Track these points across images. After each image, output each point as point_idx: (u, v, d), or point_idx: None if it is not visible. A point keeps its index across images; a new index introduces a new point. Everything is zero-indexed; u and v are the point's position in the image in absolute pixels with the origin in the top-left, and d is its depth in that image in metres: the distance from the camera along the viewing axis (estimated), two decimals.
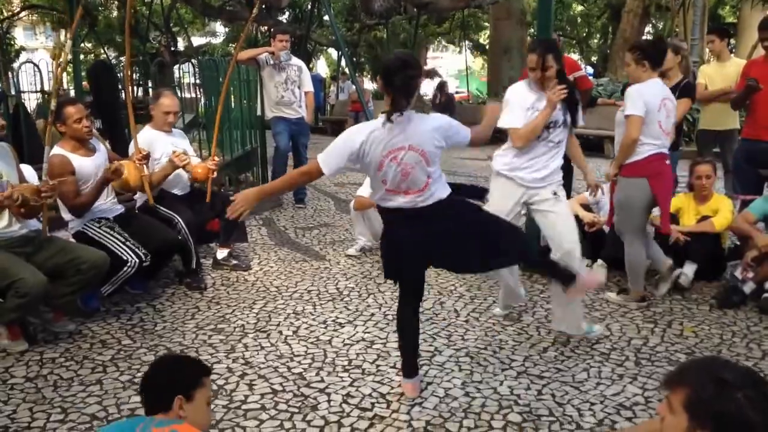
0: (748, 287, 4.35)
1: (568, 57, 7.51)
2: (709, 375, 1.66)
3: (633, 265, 4.35)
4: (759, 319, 4.15)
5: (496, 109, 3.56)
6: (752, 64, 5.50)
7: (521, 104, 3.72)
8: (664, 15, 18.99)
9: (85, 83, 9.22)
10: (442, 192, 3.03)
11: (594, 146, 11.45)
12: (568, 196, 6.00)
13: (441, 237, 2.98)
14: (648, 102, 4.04)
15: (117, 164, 4.16)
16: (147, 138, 4.76)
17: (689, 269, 4.64)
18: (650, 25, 22.27)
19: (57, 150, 4.12)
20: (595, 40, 26.82)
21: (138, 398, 3.14)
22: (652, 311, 4.30)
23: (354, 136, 2.91)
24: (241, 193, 2.96)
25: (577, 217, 5.05)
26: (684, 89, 5.64)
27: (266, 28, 19.25)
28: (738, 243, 4.89)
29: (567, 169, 6.65)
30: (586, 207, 5.14)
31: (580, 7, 23.66)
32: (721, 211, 4.72)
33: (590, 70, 22.28)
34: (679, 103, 5.59)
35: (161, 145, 4.80)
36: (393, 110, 2.86)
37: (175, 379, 2.14)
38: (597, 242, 4.93)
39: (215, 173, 4.92)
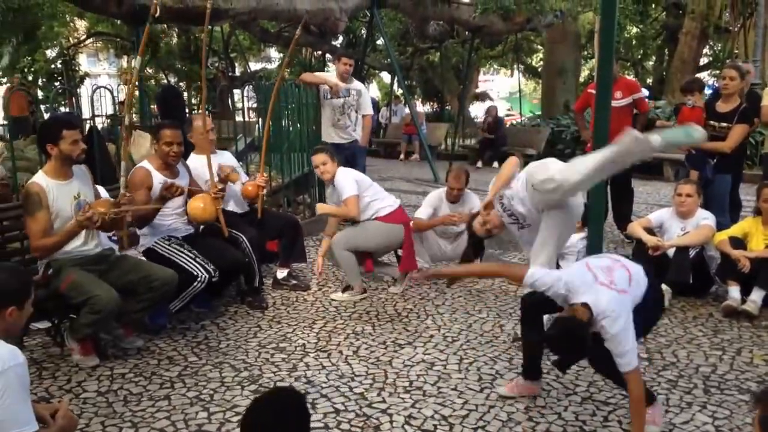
0: None
1: (627, 78, 7.46)
2: None
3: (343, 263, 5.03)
4: None
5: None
6: None
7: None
8: (723, 36, 18.64)
9: (153, 107, 9.54)
10: None
11: (653, 169, 11.25)
12: (629, 220, 5.95)
13: None
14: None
15: (174, 183, 4.24)
16: (193, 166, 4.80)
17: (757, 296, 4.50)
18: (708, 47, 21.87)
19: (144, 163, 4.32)
20: (651, 62, 26.42)
21: (204, 414, 3.23)
22: (719, 338, 4.19)
23: None
24: None
25: (640, 241, 5.00)
26: (742, 114, 5.55)
27: (321, 53, 19.62)
28: None
29: (628, 191, 6.63)
30: (650, 231, 5.05)
31: (635, 29, 23.36)
32: None
33: (645, 92, 21.97)
34: (736, 128, 5.51)
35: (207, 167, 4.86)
36: None
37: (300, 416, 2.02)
38: (661, 266, 4.82)
39: (265, 190, 5.02)
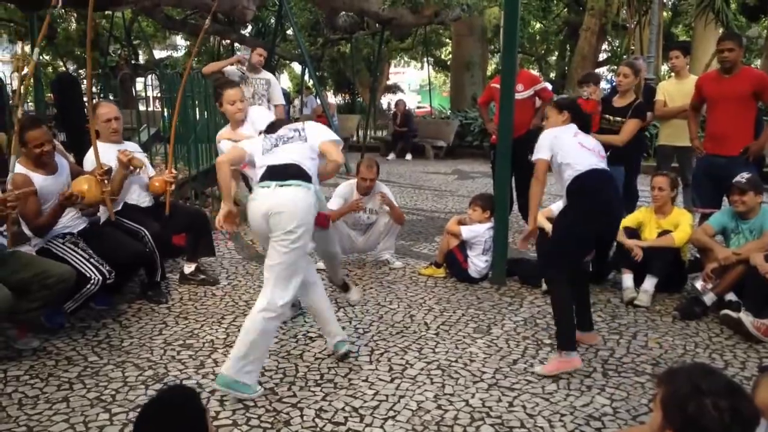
0: (709, 299, 4.46)
1: (527, 71, 7.69)
2: (689, 378, 1.74)
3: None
4: (720, 330, 4.27)
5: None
6: (705, 78, 5.63)
7: None
8: (620, 33, 19.49)
9: (48, 95, 9.07)
10: None
11: None
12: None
13: None
14: None
15: (72, 190, 4.06)
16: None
17: (649, 284, 4.72)
18: (606, 43, 22.82)
19: (19, 168, 4.04)
20: (554, 58, 27.34)
21: (106, 415, 3.11)
22: (617, 323, 4.39)
23: None
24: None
25: (542, 230, 5.16)
26: (636, 109, 5.83)
27: (229, 41, 19.20)
28: (698, 255, 5.02)
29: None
30: (551, 220, 5.22)
31: (538, 25, 24.10)
32: (681, 225, 4.85)
33: (547, 84, 22.60)
34: (629, 123, 5.79)
35: (112, 156, 4.71)
36: None
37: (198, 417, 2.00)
38: None
39: (173, 186, 4.88)
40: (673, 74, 6.70)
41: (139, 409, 3.11)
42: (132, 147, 5.02)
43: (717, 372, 1.84)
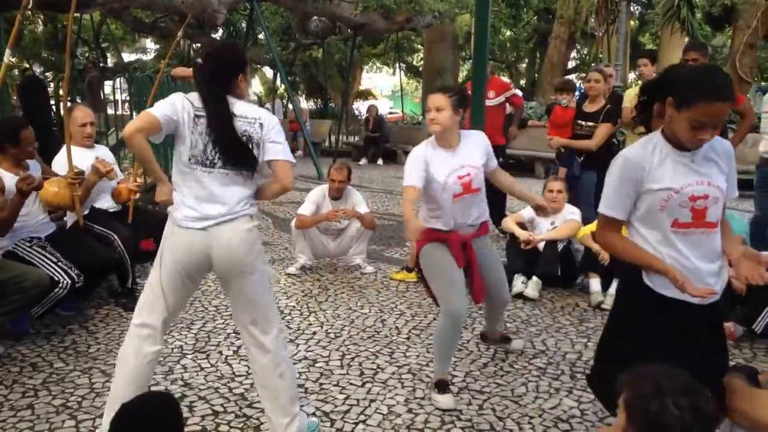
0: None
1: (498, 78, 7.77)
2: (651, 379, 1.77)
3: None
4: None
5: None
6: None
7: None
8: (589, 41, 19.78)
9: (14, 98, 8.93)
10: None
11: (525, 167, 11.78)
12: (503, 215, 6.19)
13: None
14: None
15: (30, 174, 3.99)
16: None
17: (616, 288, 4.79)
18: (575, 51, 23.13)
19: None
20: (524, 65, 27.61)
21: (72, 422, 3.07)
22: (585, 326, 4.45)
23: None
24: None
25: (513, 235, 5.22)
26: (607, 114, 5.92)
27: (199, 45, 19.07)
28: None
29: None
30: (522, 225, 5.29)
31: (509, 32, 24.33)
32: None
33: (518, 91, 22.73)
34: (601, 127, 5.88)
35: (82, 159, 4.66)
36: None
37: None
38: (532, 259, 5.07)
39: (137, 194, 4.83)
40: (640, 82, 6.81)
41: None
42: (103, 152, 4.97)
43: (679, 372, 1.88)
